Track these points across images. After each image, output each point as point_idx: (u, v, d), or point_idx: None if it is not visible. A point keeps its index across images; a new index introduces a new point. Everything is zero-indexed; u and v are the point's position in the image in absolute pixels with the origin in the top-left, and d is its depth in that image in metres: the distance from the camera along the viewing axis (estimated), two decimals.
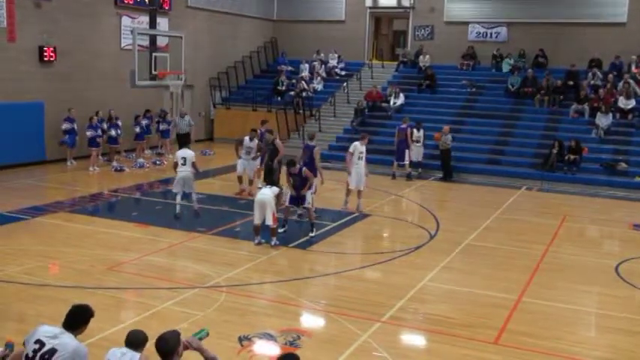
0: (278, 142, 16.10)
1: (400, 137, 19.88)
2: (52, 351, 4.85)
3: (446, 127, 20.40)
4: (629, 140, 21.69)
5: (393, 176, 19.81)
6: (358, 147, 15.30)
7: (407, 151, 19.80)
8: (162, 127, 22.64)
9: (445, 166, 20.24)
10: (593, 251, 13.10)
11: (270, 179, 14.83)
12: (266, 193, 12.03)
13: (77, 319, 5.09)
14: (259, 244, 12.15)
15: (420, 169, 20.76)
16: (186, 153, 14.15)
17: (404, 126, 20.04)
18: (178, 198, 14.15)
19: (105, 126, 20.57)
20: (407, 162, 19.83)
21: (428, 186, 19.56)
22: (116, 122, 20.98)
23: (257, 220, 12.09)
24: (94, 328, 7.56)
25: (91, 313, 5.15)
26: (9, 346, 5.44)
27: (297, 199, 13.02)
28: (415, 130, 20.38)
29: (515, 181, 20.11)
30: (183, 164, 13.98)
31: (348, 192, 15.44)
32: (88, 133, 19.72)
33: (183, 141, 16.26)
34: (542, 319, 9.15)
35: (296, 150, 18.24)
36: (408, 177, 19.84)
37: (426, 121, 22.16)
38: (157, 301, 9.18)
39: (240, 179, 16.68)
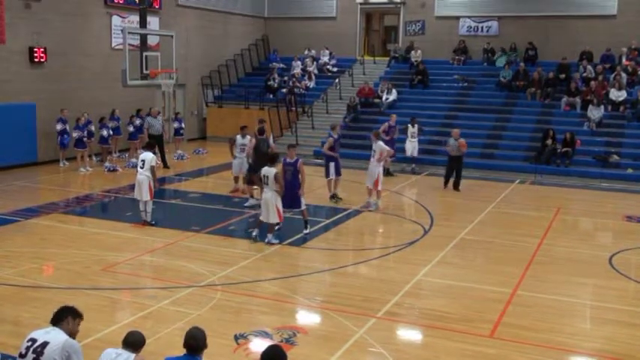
0: (251, 142, 15.80)
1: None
2: (45, 344, 5.02)
3: (455, 131, 18.00)
4: (621, 132, 21.78)
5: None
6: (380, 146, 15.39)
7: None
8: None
9: (457, 173, 17.78)
10: (587, 243, 13.15)
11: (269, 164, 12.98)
12: (266, 192, 12.00)
13: (62, 314, 5.25)
14: (255, 238, 12.20)
15: (414, 165, 20.78)
16: (146, 156, 13.23)
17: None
18: (141, 205, 13.29)
19: (92, 128, 20.43)
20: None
21: (422, 181, 19.57)
22: (106, 123, 20.96)
23: (261, 217, 12.21)
24: (89, 329, 7.56)
25: (75, 310, 5.30)
26: None
27: (290, 200, 12.79)
28: (410, 126, 20.37)
29: (508, 174, 20.15)
30: (142, 167, 13.10)
31: (369, 190, 15.45)
32: (75, 134, 19.64)
33: (154, 143, 14.84)
34: (538, 311, 9.17)
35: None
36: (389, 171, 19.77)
37: (418, 116, 22.16)
38: (152, 301, 9.16)
39: (236, 179, 16.66)
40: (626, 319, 9.07)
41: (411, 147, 20.42)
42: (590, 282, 10.67)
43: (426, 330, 8.54)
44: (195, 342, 5.04)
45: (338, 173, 15.99)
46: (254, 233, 12.31)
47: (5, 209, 14.32)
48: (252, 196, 15.24)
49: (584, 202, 17.23)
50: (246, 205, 15.16)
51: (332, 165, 15.87)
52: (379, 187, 15.23)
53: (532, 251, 12.12)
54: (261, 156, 14.88)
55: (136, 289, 9.87)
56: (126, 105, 22.03)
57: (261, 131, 15.87)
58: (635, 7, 25.10)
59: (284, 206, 12.76)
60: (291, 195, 12.74)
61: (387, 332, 8.44)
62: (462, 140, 17.49)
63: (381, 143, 15.40)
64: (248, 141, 16.10)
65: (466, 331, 8.40)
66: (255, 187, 14.98)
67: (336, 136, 16.23)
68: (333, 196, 16.00)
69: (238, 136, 16.28)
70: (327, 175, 16.01)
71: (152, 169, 13.14)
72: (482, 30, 27.83)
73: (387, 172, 19.53)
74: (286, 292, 9.77)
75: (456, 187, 17.66)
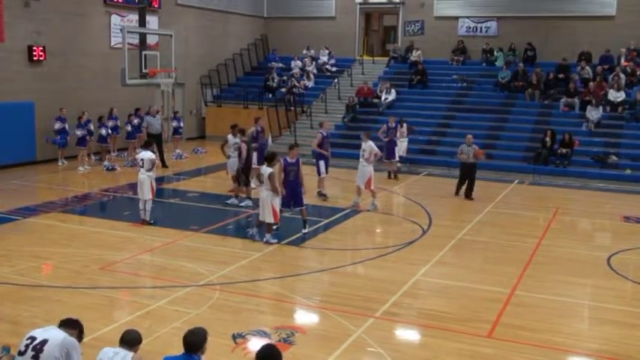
0: (243, 144, 15.77)
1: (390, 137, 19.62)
2: (44, 341, 5.11)
3: (469, 136, 17.09)
4: (619, 133, 21.80)
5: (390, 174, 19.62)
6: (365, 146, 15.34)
7: (396, 148, 19.61)
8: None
9: (470, 182, 16.85)
10: (585, 244, 13.16)
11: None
12: (263, 191, 12.05)
13: (74, 325, 5.36)
14: (252, 237, 12.27)
15: (407, 163, 20.73)
16: (145, 154, 13.31)
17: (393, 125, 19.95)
18: (140, 204, 13.37)
19: (92, 127, 20.42)
20: (396, 159, 19.67)
21: (420, 181, 19.58)
22: (105, 122, 20.98)
23: (260, 217, 12.24)
24: (87, 328, 7.54)
25: (83, 330, 5.41)
26: (5, 349, 5.47)
27: (292, 199, 12.77)
28: (398, 126, 20.28)
29: (507, 174, 20.18)
30: (142, 166, 13.20)
31: (358, 189, 15.44)
32: (78, 133, 19.64)
33: (152, 142, 14.76)
34: (536, 312, 9.18)
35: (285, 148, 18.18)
36: (395, 173, 19.64)
37: (417, 116, 22.20)
38: (151, 300, 9.17)
39: (234, 178, 16.64)
40: (624, 319, 9.08)
41: (400, 147, 20.23)
42: (589, 282, 10.69)
43: (424, 330, 8.55)
44: (193, 337, 5.06)
45: (325, 171, 16.22)
46: (252, 231, 12.36)
47: (4, 208, 14.31)
48: (248, 197, 15.26)
49: (582, 203, 17.25)
50: (241, 204, 15.19)
51: (322, 163, 16.11)
52: (372, 187, 15.22)
53: (530, 251, 12.13)
54: (250, 158, 15.24)
55: (134, 288, 9.87)
56: (125, 104, 22.05)
57: (243, 132, 15.85)
58: (635, 7, 25.11)
59: (285, 205, 12.75)
60: (293, 194, 12.76)
61: (385, 332, 8.44)
62: (477, 147, 16.69)
63: (371, 143, 15.27)
64: (240, 140, 16.13)
65: (464, 331, 8.41)
66: (254, 187, 15.09)
67: (325, 133, 16.33)
68: (323, 195, 16.10)
69: (230, 136, 16.34)
70: (319, 173, 16.18)
71: (152, 165, 13.16)
72: (481, 30, 27.84)
73: (394, 176, 19.40)
74: (285, 292, 9.78)
75: (468, 195, 16.70)
